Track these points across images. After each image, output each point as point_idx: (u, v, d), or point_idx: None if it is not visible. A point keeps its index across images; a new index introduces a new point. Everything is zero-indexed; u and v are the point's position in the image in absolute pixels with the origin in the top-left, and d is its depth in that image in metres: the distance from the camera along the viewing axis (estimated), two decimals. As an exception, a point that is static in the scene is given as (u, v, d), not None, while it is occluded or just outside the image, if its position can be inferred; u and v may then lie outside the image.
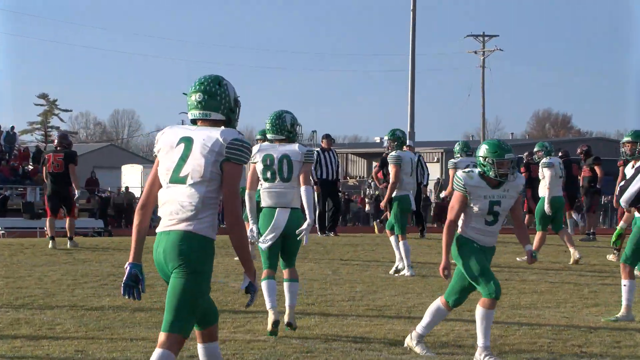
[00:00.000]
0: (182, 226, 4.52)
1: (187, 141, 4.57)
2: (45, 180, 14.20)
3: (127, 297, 4.63)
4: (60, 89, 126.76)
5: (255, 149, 7.40)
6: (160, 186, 4.66)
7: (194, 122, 4.72)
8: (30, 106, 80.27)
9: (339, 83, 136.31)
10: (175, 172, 4.57)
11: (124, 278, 4.64)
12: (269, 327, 7.27)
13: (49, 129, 73.44)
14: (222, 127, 4.61)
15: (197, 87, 4.68)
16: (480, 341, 6.50)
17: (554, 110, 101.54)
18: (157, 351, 4.48)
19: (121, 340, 6.95)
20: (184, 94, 4.76)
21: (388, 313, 8.54)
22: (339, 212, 18.16)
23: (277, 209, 7.36)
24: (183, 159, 4.55)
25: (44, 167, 14.03)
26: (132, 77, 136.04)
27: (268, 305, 7.31)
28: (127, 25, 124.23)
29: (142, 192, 19.98)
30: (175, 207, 4.54)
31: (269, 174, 7.37)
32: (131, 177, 50.42)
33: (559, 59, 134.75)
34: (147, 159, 79.31)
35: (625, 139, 8.78)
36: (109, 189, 40.25)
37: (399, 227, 11.60)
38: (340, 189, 18.69)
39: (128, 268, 4.66)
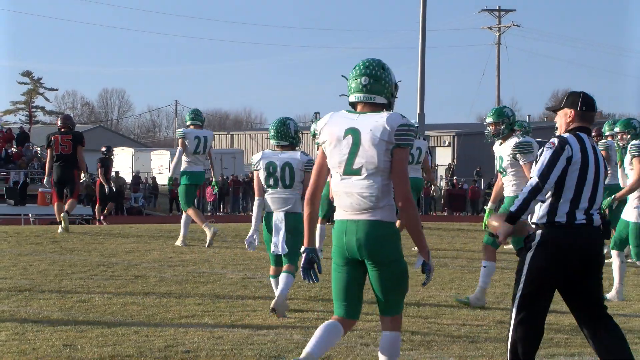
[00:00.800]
0: (368, 216, 4.98)
1: (354, 133, 4.96)
2: (47, 164, 14.61)
3: (306, 280, 5.14)
4: (46, 67, 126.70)
5: (257, 157, 8.15)
6: (327, 176, 5.14)
7: (353, 105, 5.10)
8: (14, 85, 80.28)
9: (343, 61, 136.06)
10: (348, 165, 4.99)
11: (302, 262, 5.14)
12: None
13: (34, 109, 73.48)
14: (385, 113, 4.98)
15: (363, 70, 5.05)
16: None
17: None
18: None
19: (112, 333, 7.00)
20: (343, 77, 5.13)
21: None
22: None
23: (274, 212, 8.07)
24: (354, 151, 4.96)
25: (49, 149, 14.42)
26: (122, 54, 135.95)
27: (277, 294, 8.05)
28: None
29: (133, 177, 20.20)
30: (355, 198, 4.99)
31: (271, 181, 8.08)
32: (121, 161, 50.46)
33: (580, 35, 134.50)
34: (137, 141, 79.38)
35: (488, 119, 8.94)
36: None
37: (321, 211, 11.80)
38: None
39: (305, 253, 5.14)
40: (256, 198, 8.25)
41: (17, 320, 7.49)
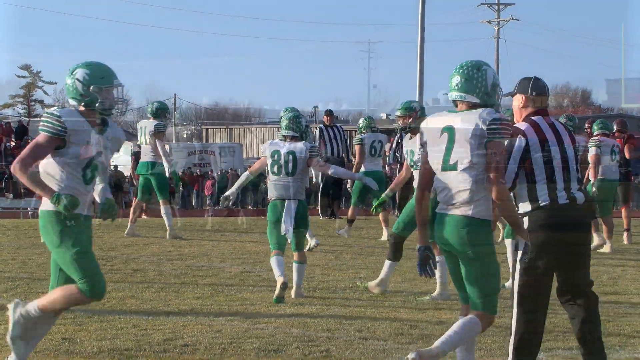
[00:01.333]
0: (461, 210, 5.21)
1: (450, 130, 5.23)
2: None
3: (422, 275, 5.36)
4: (45, 60, 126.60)
5: (267, 144, 8.70)
6: (433, 172, 5.33)
7: (454, 102, 5.36)
8: (12, 78, 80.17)
9: (342, 54, 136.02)
10: (445, 161, 5.25)
11: (418, 260, 5.34)
12: (277, 291, 8.26)
13: (32, 103, 73.42)
14: (480, 109, 5.21)
15: (457, 70, 5.34)
16: None
17: (573, 85, 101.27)
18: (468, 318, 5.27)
19: (110, 327, 7.01)
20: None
21: (394, 300, 8.60)
22: (340, 193, 18.16)
23: (287, 200, 8.52)
24: (449, 147, 5.22)
25: None
26: (120, 47, 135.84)
27: (277, 274, 8.34)
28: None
29: (132, 170, 20.18)
30: (452, 192, 5.23)
31: (275, 168, 8.58)
32: (120, 154, 50.39)
33: (579, 30, 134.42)
34: (136, 135, 79.22)
35: (397, 113, 9.27)
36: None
37: None
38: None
39: (420, 250, 5.35)
40: (247, 172, 9.03)
41: (16, 313, 7.47)
